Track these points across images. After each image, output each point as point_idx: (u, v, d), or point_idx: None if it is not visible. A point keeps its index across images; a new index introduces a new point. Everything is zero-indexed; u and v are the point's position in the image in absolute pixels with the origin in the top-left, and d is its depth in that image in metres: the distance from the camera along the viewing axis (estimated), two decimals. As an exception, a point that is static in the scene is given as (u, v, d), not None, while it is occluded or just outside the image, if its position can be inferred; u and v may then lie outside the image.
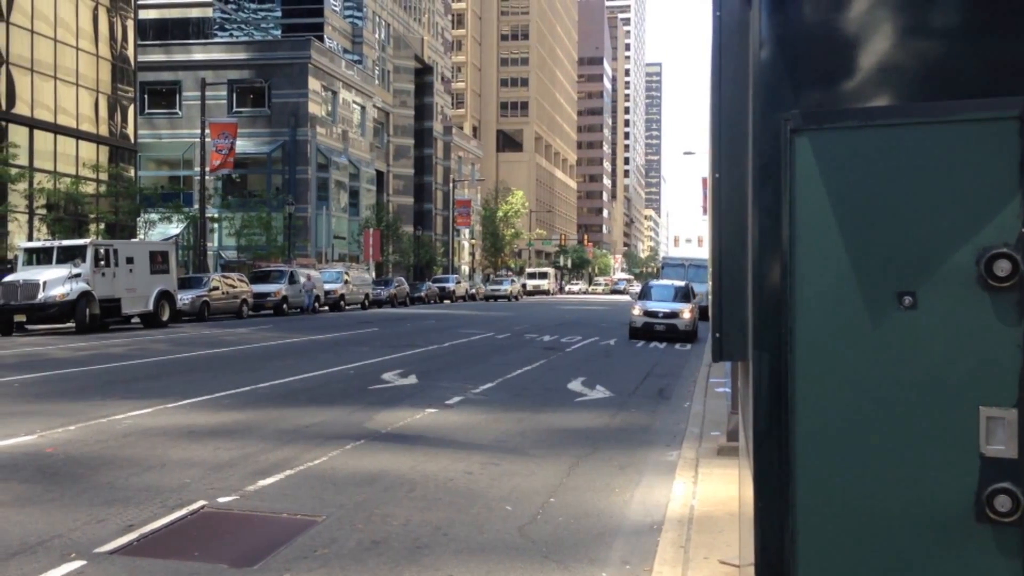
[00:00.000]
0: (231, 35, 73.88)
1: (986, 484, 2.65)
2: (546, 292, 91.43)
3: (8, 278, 26.45)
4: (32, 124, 40.33)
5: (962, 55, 2.83)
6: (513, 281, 73.29)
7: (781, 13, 2.97)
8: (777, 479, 2.86)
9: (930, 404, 2.70)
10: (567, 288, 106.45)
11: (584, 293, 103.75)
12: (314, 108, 61.66)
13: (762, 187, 2.95)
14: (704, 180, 33.09)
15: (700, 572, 5.30)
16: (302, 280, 40.19)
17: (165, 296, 29.69)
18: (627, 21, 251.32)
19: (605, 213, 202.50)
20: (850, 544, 2.77)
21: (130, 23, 48.69)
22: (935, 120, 2.69)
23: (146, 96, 58.39)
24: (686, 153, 55.73)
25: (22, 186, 37.43)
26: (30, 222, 39.74)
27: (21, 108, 40.01)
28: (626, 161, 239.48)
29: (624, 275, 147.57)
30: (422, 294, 58.82)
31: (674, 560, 5.54)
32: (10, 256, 35.40)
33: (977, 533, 2.67)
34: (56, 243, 28.35)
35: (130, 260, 28.32)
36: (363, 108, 71.91)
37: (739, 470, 5.13)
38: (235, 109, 60.09)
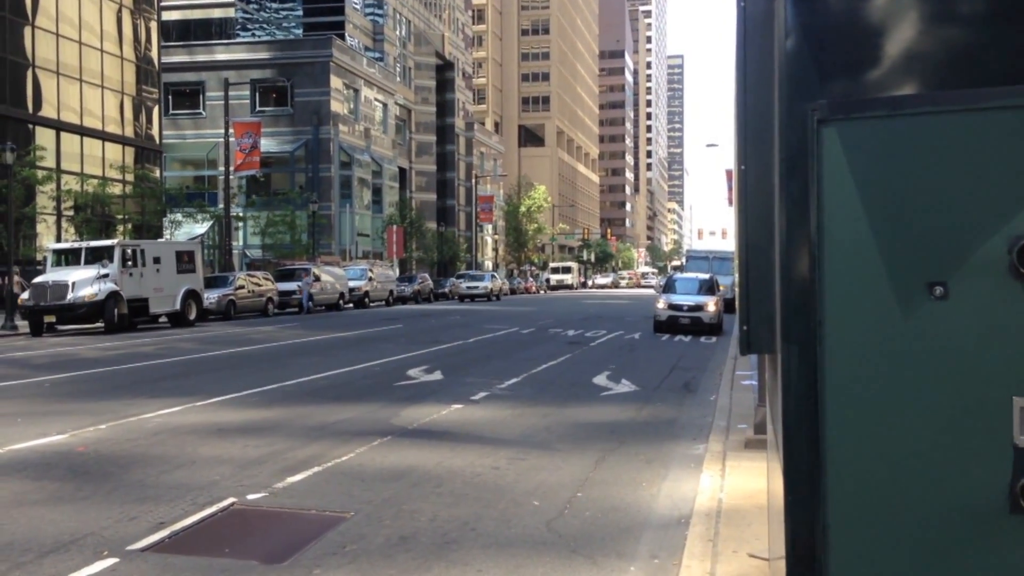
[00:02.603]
0: (253, 35, 74.30)
1: (1019, 475, 2.62)
2: (570, 287, 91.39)
3: (37, 279, 26.76)
4: (58, 126, 40.75)
5: (991, 42, 2.79)
6: (494, 276, 61.73)
7: (807, 2, 2.94)
8: (807, 472, 2.84)
9: (962, 395, 2.67)
10: (592, 282, 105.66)
11: (603, 288, 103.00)
12: (336, 106, 61.90)
13: (789, 178, 2.93)
14: (728, 172, 32.92)
15: (729, 566, 5.27)
16: (303, 278, 38.91)
17: (192, 295, 29.92)
18: (648, 13, 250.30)
19: (628, 207, 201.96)
20: (882, 537, 2.75)
21: (153, 25, 49.06)
22: (965, 108, 2.66)
23: (170, 97, 58.88)
24: (709, 145, 55.50)
25: (49, 188, 37.83)
26: (58, 223, 40.17)
27: (47, 111, 40.44)
28: (648, 154, 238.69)
29: (647, 268, 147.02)
30: (446, 290, 58.90)
31: (702, 554, 5.52)
32: (39, 257, 35.80)
33: (1010, 525, 2.64)
34: (84, 244, 28.64)
35: (157, 260, 28.57)
36: (385, 105, 72.10)
37: (767, 463, 5.10)
38: (258, 108, 60.47)
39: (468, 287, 56.61)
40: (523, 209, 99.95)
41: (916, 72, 2.84)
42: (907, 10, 2.84)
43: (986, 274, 2.63)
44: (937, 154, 2.68)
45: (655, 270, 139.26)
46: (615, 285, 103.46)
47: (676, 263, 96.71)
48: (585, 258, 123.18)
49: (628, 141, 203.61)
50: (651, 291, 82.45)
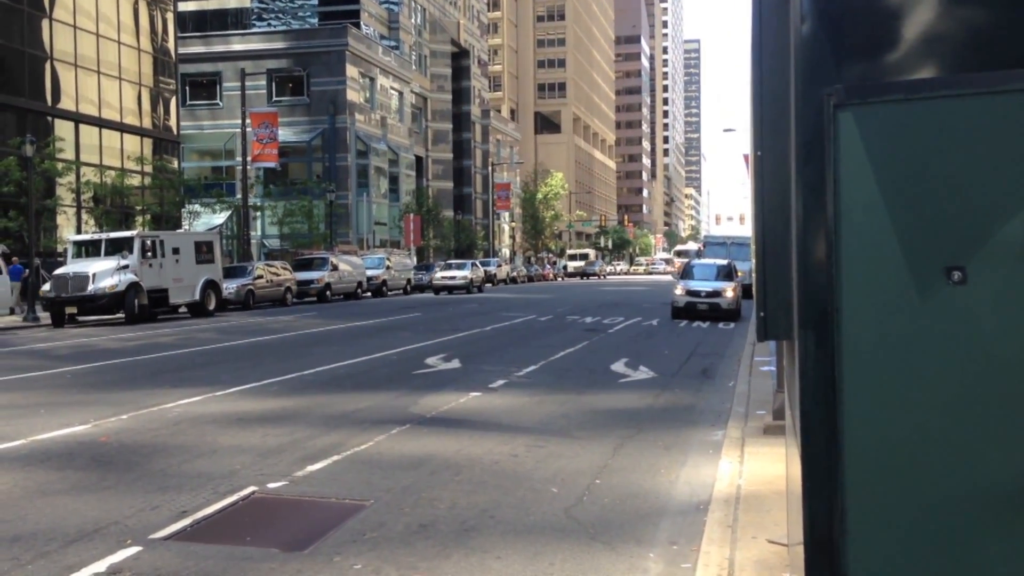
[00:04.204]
0: (269, 25, 74.39)
1: (1040, 460, 2.61)
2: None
3: (58, 271, 26.98)
4: (77, 119, 40.98)
5: (1008, 23, 2.77)
6: (475, 264, 51.20)
7: (822, -14, 2.92)
8: (825, 458, 2.84)
9: (980, 380, 2.66)
10: (559, 273, 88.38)
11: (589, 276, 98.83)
12: (352, 95, 61.96)
13: (805, 164, 2.92)
14: (745, 157, 32.74)
15: (748, 552, 5.27)
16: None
17: (211, 285, 30.09)
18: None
19: (645, 193, 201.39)
20: (901, 523, 2.74)
21: (170, 16, 49.21)
22: (982, 91, 2.63)
23: (187, 88, 59.10)
24: (726, 130, 55.16)
25: (69, 180, 38.08)
26: (78, 215, 40.44)
27: (66, 103, 40.66)
28: (665, 140, 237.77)
29: (664, 254, 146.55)
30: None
31: (721, 540, 5.52)
32: (59, 249, 36.09)
33: (1030, 510, 2.63)
34: (104, 235, 28.83)
35: (176, 251, 28.74)
36: (401, 94, 72.10)
37: (786, 449, 5.09)
38: (275, 98, 60.63)
39: (443, 277, 47.18)
40: (540, 196, 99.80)
41: (933, 55, 2.82)
42: (924, -7, 2.82)
43: (1004, 259, 2.62)
44: (955, 138, 2.66)
45: (669, 256, 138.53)
46: (601, 274, 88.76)
47: (680, 248, 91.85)
48: (602, 245, 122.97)
49: (645, 127, 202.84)
50: (657, 277, 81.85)
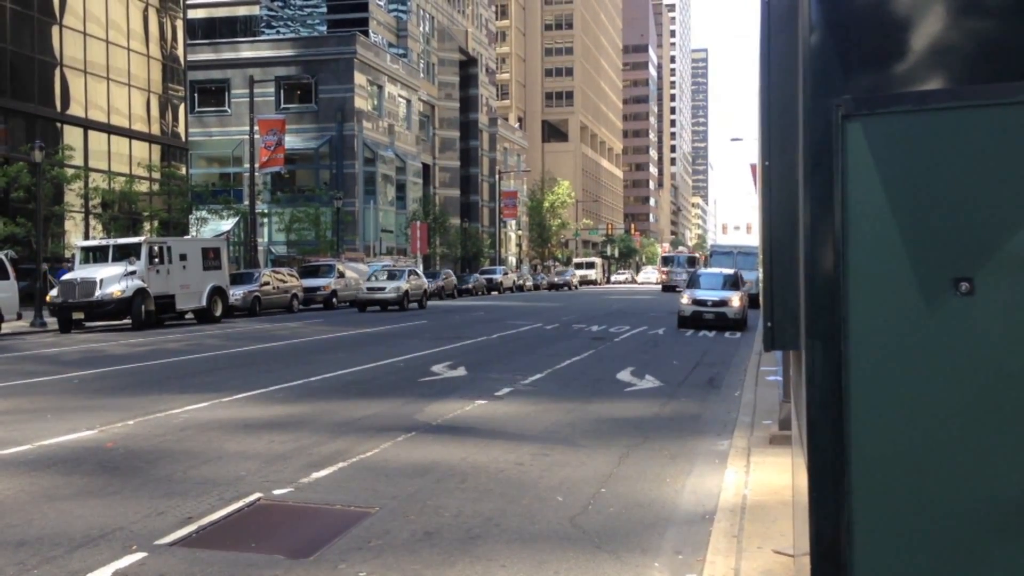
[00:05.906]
0: (278, 32, 74.67)
1: (1048, 472, 2.60)
2: (594, 282, 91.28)
3: (66, 276, 27.05)
4: (86, 125, 41.13)
5: (1017, 34, 2.77)
6: (413, 273, 40.92)
7: (831, -3, 2.92)
8: (832, 468, 2.83)
9: (988, 391, 2.65)
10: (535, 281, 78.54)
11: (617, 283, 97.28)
12: (360, 103, 62.07)
13: (813, 174, 2.92)
14: (753, 167, 32.72)
15: (754, 562, 5.26)
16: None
17: (218, 292, 30.14)
18: (672, 7, 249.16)
19: (652, 201, 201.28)
20: (907, 533, 2.74)
21: (179, 23, 49.40)
22: (991, 103, 2.63)
23: (196, 95, 59.26)
24: (733, 140, 55.12)
25: (77, 186, 38.21)
26: (86, 221, 40.56)
27: (75, 109, 40.82)
28: (672, 149, 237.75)
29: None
30: (470, 286, 58.93)
31: (727, 550, 5.50)
32: (67, 255, 36.19)
33: (1039, 522, 2.62)
34: (111, 241, 28.92)
35: (183, 257, 28.80)
36: (408, 101, 72.22)
37: (792, 459, 5.08)
38: (283, 105, 60.75)
39: (370, 288, 37.95)
40: (547, 204, 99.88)
41: (942, 66, 2.82)
42: (932, 3, 2.82)
43: (1012, 270, 2.61)
44: (963, 149, 2.66)
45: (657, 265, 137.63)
46: (572, 285, 78.90)
47: (667, 255, 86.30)
48: (609, 253, 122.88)
49: (652, 136, 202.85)
50: (649, 287, 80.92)
